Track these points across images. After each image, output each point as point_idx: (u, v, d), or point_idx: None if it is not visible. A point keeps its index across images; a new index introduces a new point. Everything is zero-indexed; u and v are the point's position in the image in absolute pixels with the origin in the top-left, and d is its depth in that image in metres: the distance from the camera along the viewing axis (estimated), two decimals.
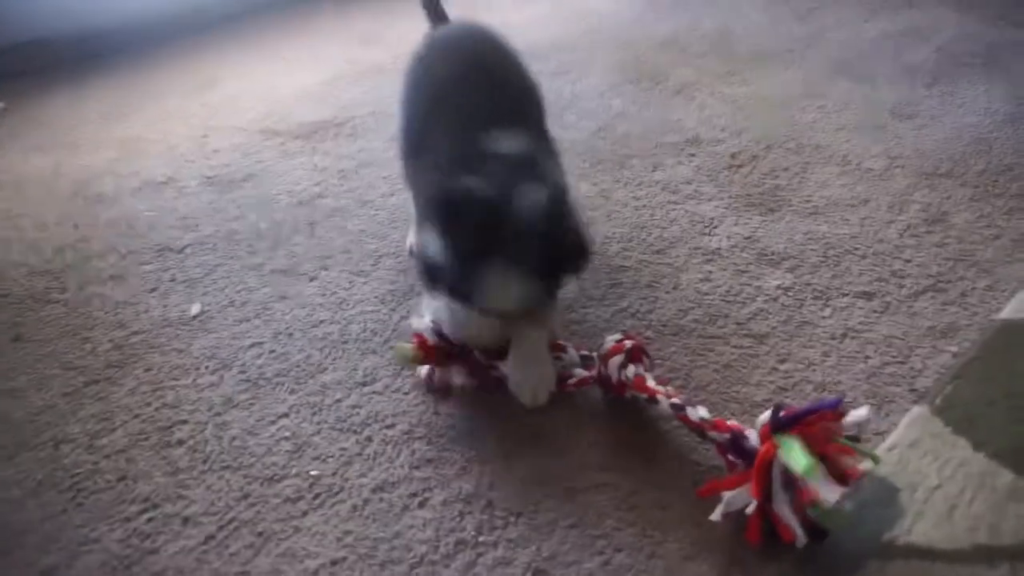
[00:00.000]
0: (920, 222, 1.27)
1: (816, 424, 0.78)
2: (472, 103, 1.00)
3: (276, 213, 1.42)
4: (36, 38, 2.08)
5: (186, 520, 0.87)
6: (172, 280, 1.26)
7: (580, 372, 0.98)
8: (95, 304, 1.22)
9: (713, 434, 0.85)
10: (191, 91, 1.92)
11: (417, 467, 0.92)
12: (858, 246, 1.23)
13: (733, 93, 1.74)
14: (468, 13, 2.33)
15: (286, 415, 1.00)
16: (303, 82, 1.94)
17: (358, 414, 0.99)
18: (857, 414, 0.77)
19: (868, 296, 1.12)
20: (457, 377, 1.00)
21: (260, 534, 0.85)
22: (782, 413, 0.79)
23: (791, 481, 0.76)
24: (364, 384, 1.04)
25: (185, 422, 1.00)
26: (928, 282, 1.14)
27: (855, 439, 0.78)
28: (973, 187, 1.36)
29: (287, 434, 0.97)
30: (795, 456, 0.75)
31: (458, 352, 0.98)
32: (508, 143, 0.91)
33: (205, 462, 0.94)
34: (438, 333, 0.97)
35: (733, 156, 1.49)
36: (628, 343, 0.95)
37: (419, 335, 0.98)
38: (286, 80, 1.96)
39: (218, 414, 1.01)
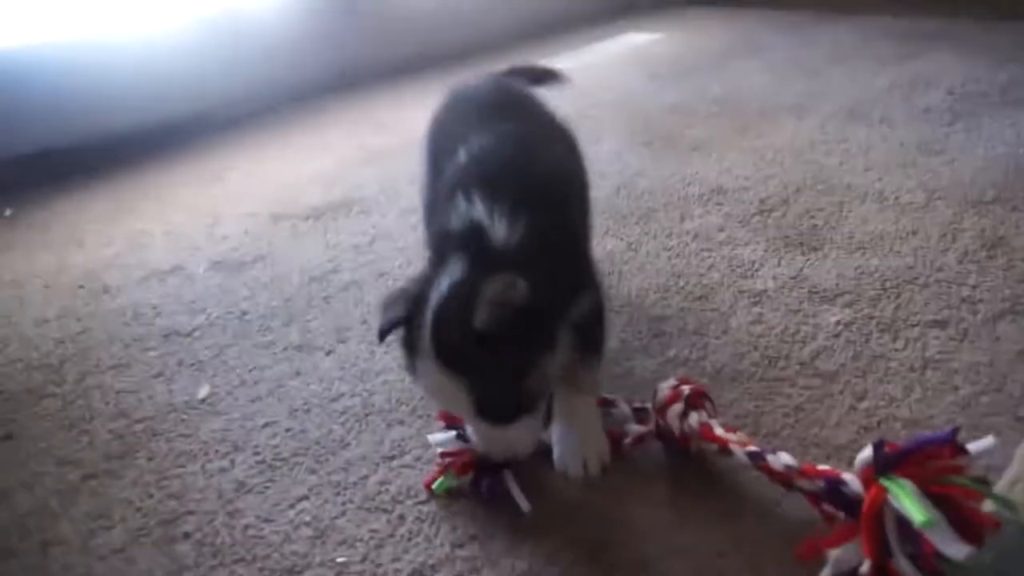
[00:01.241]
0: (978, 248, 1.19)
1: (929, 462, 0.66)
2: (473, 142, 0.90)
3: (288, 291, 1.34)
4: (41, 148, 2.08)
5: None
6: (179, 364, 1.17)
7: (635, 428, 0.87)
8: (95, 395, 1.12)
9: (802, 483, 0.72)
10: (197, 186, 1.90)
11: (460, 545, 0.79)
12: (916, 276, 1.13)
13: (751, 145, 1.70)
14: None
15: (306, 497, 0.88)
16: (313, 168, 1.91)
17: (387, 491, 0.87)
18: (982, 445, 0.65)
19: (941, 325, 1.02)
20: (509, 484, 0.83)
21: None
22: (886, 449, 0.67)
23: (910, 535, 0.63)
24: (392, 458, 0.92)
25: (192, 513, 0.88)
26: (1004, 305, 1.04)
27: (983, 480, 0.65)
28: None
29: (308, 518, 0.85)
30: (909, 507, 0.62)
31: None
32: (465, 208, 0.80)
33: (215, 556, 0.82)
34: (463, 438, 0.86)
35: (762, 201, 1.43)
36: (686, 388, 0.84)
37: (446, 453, 0.87)
38: (295, 168, 1.94)
39: (229, 501, 0.89)
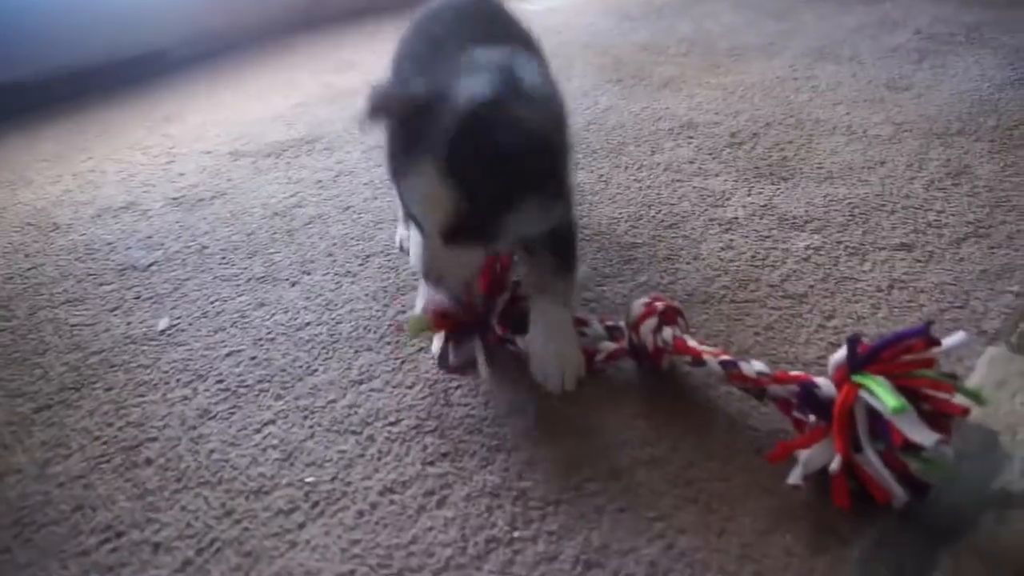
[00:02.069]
0: (943, 176, 1.19)
1: (901, 358, 0.66)
2: (457, 38, 0.91)
3: (250, 225, 1.30)
4: None
5: (157, 546, 0.72)
6: (136, 298, 1.13)
7: (608, 345, 0.86)
8: (47, 329, 1.07)
9: (775, 389, 0.73)
10: (152, 125, 1.82)
11: (431, 463, 0.78)
12: (884, 203, 1.14)
13: (720, 82, 1.69)
14: None
15: (272, 422, 0.86)
16: (274, 107, 1.84)
17: (356, 414, 0.86)
18: (954, 340, 0.66)
19: (908, 248, 1.03)
20: (477, 351, 0.87)
21: (248, 554, 0.71)
22: (859, 348, 0.67)
23: (880, 430, 0.64)
24: (360, 382, 0.91)
25: (154, 440, 0.85)
26: (968, 229, 1.05)
27: (951, 376, 0.66)
28: (989, 141, 1.29)
29: (275, 442, 0.83)
30: (883, 395, 0.63)
31: (476, 325, 0.87)
32: (484, 54, 0.80)
33: (179, 480, 0.79)
34: (452, 302, 0.86)
35: (733, 135, 1.42)
36: (660, 304, 0.83)
37: (436, 309, 0.87)
38: (256, 106, 1.87)
39: (193, 427, 0.86)
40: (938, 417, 0.64)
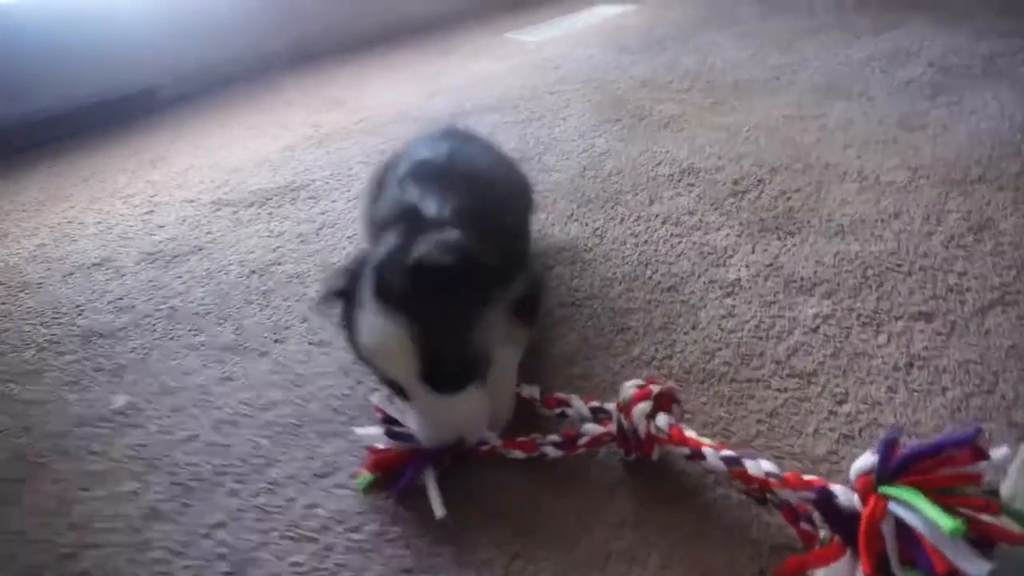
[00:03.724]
0: (964, 231, 1.10)
1: (939, 470, 0.57)
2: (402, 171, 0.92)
3: (225, 285, 1.23)
4: None
5: None
6: (97, 370, 1.06)
7: (592, 428, 0.78)
8: None
9: (785, 493, 0.64)
10: (136, 169, 1.77)
11: None
12: (900, 263, 1.05)
13: (723, 122, 1.61)
14: (448, 66, 2.23)
15: (224, 525, 0.78)
16: (262, 151, 1.79)
17: (316, 515, 0.78)
18: (1000, 453, 0.57)
19: (927, 317, 0.94)
20: (429, 479, 0.76)
21: None
22: (893, 455, 0.58)
23: (914, 553, 0.55)
24: (324, 476, 0.83)
25: (94, 547, 0.78)
26: (993, 295, 0.96)
27: (995, 493, 0.57)
28: (1013, 190, 1.20)
29: (224, 551, 0.75)
30: (931, 514, 0.54)
31: (423, 454, 0.78)
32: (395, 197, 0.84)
33: None
34: (393, 435, 0.80)
35: (736, 182, 1.34)
36: (655, 387, 0.75)
37: (370, 449, 0.82)
38: (243, 150, 1.81)
39: (137, 531, 0.79)
40: (982, 543, 0.55)
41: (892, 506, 0.56)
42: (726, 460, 0.68)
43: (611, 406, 0.76)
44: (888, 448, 0.59)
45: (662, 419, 0.73)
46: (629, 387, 0.76)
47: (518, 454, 0.78)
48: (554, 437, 0.78)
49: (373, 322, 0.69)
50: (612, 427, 0.76)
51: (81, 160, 1.88)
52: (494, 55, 2.36)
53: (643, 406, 0.74)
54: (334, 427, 0.90)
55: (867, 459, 0.60)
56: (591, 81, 1.97)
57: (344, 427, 0.89)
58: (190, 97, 2.21)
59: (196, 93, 2.23)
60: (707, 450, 0.69)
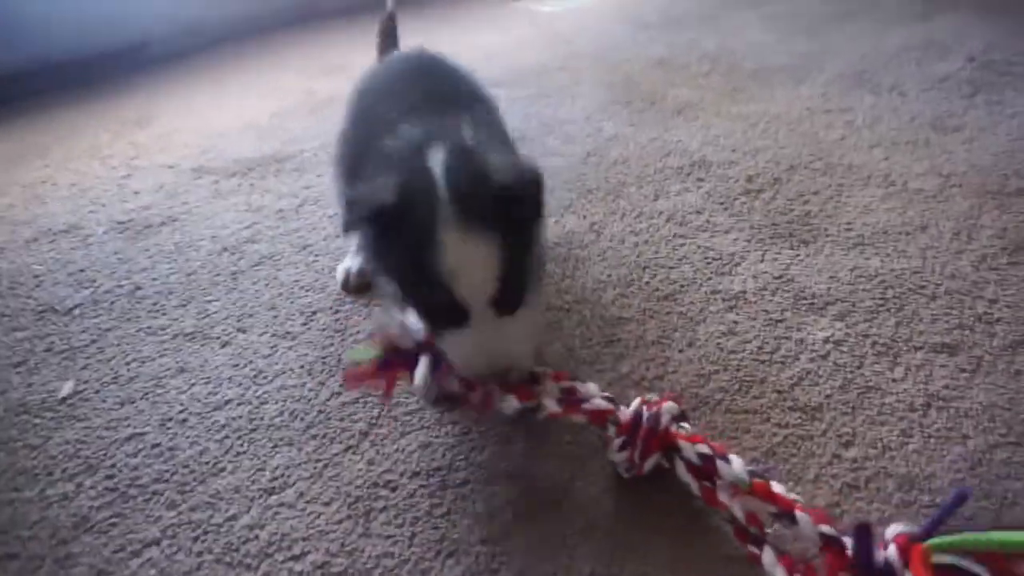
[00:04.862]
0: (998, 251, 1.00)
1: None
2: (404, 102, 0.83)
3: (194, 263, 1.15)
4: None
5: None
6: (47, 350, 0.99)
7: (599, 403, 0.70)
8: None
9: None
10: (119, 129, 1.68)
11: None
12: (924, 283, 0.96)
13: (742, 111, 1.50)
14: (450, 37, 2.12)
15: (156, 542, 0.71)
16: (251, 115, 1.69)
17: (257, 538, 0.70)
18: None
19: (950, 350, 0.85)
20: (419, 369, 0.73)
21: None
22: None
23: None
24: (271, 492, 0.75)
25: (14, 557, 0.71)
26: None
27: None
28: None
29: (152, 572, 0.68)
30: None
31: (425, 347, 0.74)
32: (434, 128, 0.75)
33: None
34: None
35: (750, 179, 1.23)
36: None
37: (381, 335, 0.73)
38: (232, 114, 1.72)
39: (63, 542, 0.72)
40: None
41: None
42: (750, 473, 0.61)
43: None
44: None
45: (686, 425, 0.69)
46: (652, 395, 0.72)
47: (514, 402, 0.69)
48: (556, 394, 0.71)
49: (455, 241, 0.65)
50: (623, 413, 0.69)
51: (64, 114, 1.79)
52: (502, 25, 2.24)
53: (671, 405, 0.69)
54: (289, 434, 0.82)
55: (896, 527, 0.55)
56: (604, 59, 1.86)
57: (300, 436, 0.82)
58: (183, 54, 2.10)
59: (190, 50, 2.13)
60: (723, 465, 0.62)
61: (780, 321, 0.92)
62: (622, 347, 0.90)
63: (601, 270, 1.04)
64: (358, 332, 0.96)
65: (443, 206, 0.65)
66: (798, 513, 0.59)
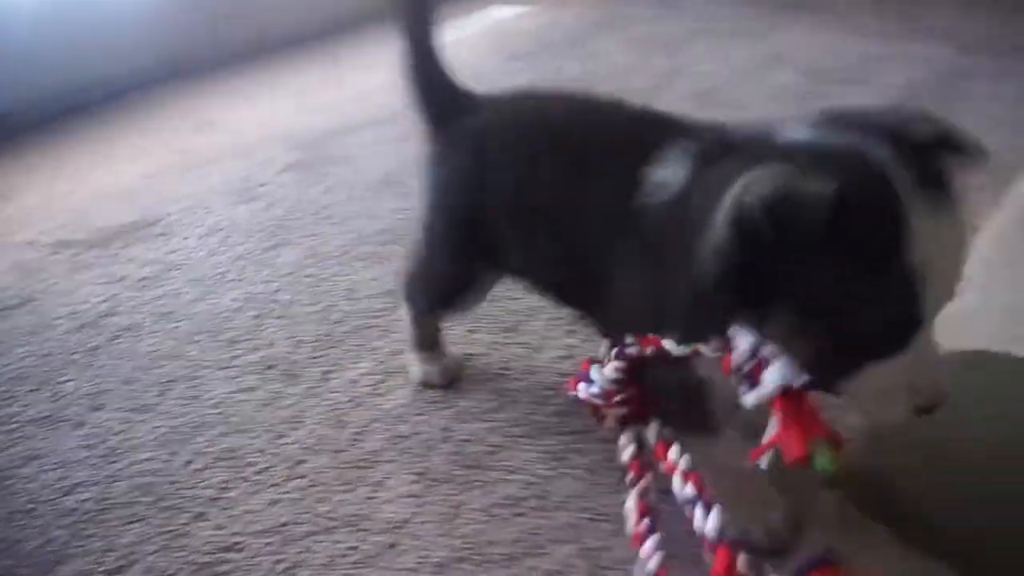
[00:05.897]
0: None
1: None
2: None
3: (49, 343, 1.13)
4: None
5: None
6: None
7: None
8: None
9: None
10: None
11: None
12: None
13: None
14: (324, 81, 2.13)
15: None
16: (121, 180, 1.67)
17: None
18: None
19: None
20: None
21: None
22: None
23: None
24: (117, 572, 0.75)
25: None
26: None
27: None
28: None
29: None
30: None
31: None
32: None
33: None
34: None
35: None
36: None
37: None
38: (100, 181, 1.69)
39: None
40: None
41: None
42: None
43: None
44: None
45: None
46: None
47: None
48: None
49: (930, 228, 0.49)
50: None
51: None
52: (378, 67, 2.28)
53: None
54: (137, 510, 0.82)
55: None
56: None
57: (148, 510, 0.82)
58: (47, 124, 2.05)
59: (55, 119, 2.08)
60: None
61: None
62: None
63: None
64: (212, 400, 0.96)
65: (903, 184, 0.49)
66: None
